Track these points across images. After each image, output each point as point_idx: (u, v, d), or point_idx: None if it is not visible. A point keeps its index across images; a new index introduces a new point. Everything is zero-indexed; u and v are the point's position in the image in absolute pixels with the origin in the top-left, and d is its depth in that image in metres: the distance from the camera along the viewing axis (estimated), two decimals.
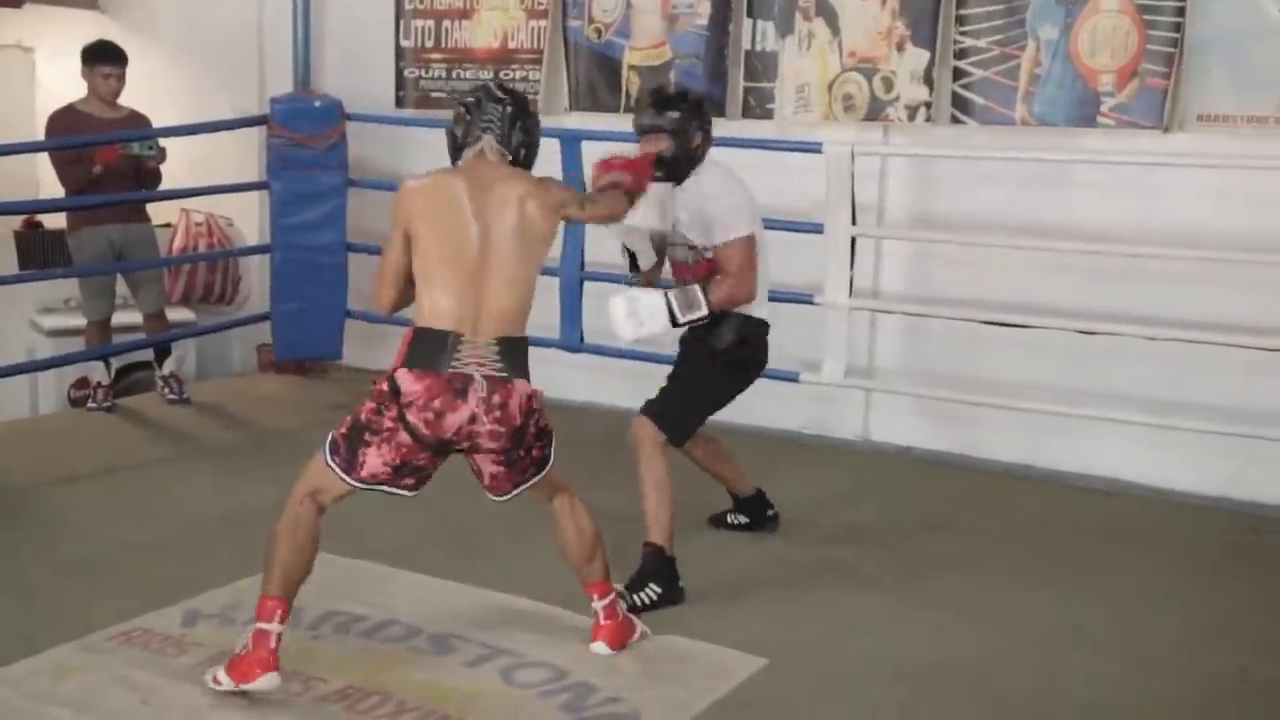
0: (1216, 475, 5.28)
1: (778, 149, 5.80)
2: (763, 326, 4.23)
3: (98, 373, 6.36)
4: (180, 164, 6.72)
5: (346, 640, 3.68)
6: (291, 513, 3.32)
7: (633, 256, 4.23)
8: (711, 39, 6.17)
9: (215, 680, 3.28)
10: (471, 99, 3.51)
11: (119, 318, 6.47)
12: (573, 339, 6.25)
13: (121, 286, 6.44)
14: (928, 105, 5.70)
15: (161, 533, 4.57)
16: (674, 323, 4.00)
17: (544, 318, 6.21)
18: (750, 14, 6.07)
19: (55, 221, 6.79)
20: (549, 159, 6.14)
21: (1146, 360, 5.33)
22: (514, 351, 3.31)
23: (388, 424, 3.25)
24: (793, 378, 5.62)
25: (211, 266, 7.43)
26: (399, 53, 7.05)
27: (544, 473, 3.47)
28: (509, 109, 3.46)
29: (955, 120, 5.67)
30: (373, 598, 3.97)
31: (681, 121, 4.05)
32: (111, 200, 6.16)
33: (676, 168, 4.05)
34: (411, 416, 3.22)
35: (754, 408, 5.93)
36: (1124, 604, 4.20)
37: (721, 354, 4.18)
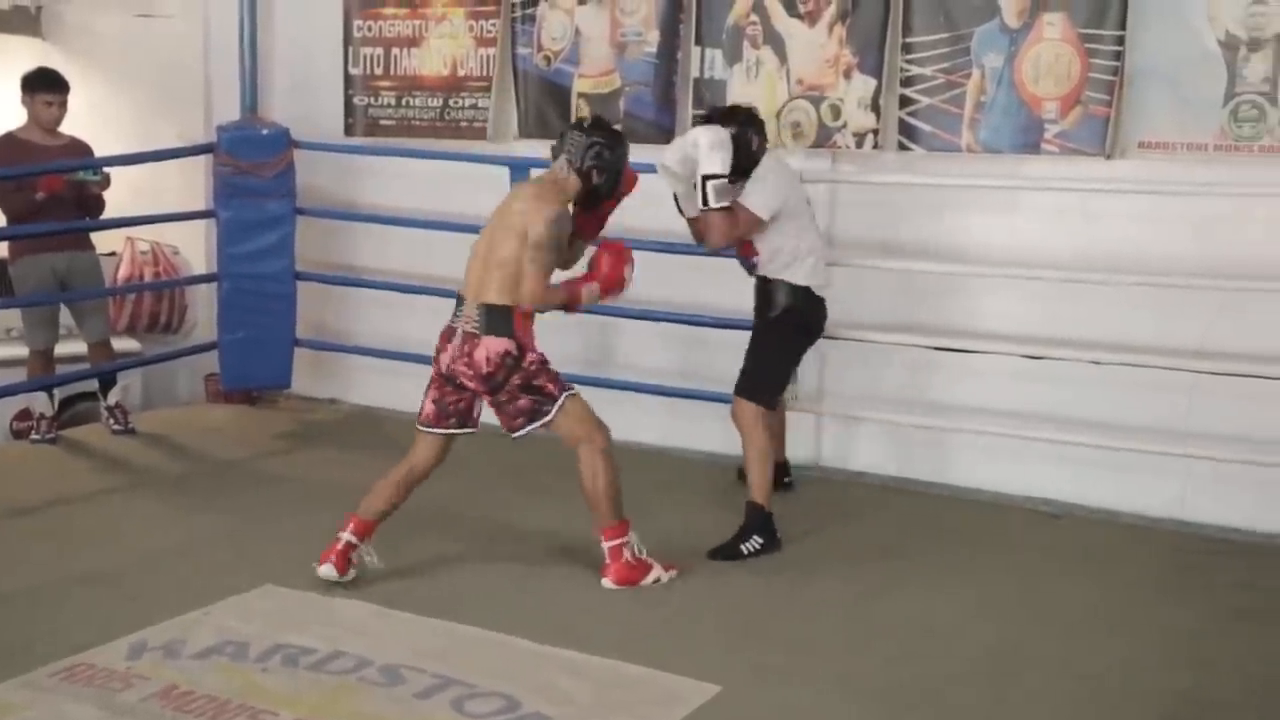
0: (1160, 497, 5.34)
1: None
2: (809, 293, 4.90)
3: (41, 404, 6.26)
4: (125, 192, 6.65)
5: (296, 673, 3.64)
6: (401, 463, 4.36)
7: (677, 200, 4.93)
8: (660, 67, 6.20)
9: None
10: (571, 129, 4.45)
11: (63, 348, 6.38)
12: None
13: (65, 316, 6.36)
14: (875, 133, 5.75)
15: (107, 565, 4.50)
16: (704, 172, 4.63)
17: None
18: (699, 42, 6.10)
19: None
20: (499, 185, 6.17)
21: (1091, 384, 5.39)
22: (491, 316, 4.18)
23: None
24: None
25: (157, 295, 7.35)
26: (348, 80, 7.04)
27: (540, 423, 4.24)
28: (588, 137, 4.33)
29: (902, 147, 5.73)
30: (321, 629, 3.92)
31: (740, 133, 4.76)
32: (56, 229, 6.09)
33: (740, 166, 4.74)
34: (436, 348, 4.31)
35: (705, 434, 5.97)
36: (1072, 625, 4.24)
37: (777, 321, 4.91)
